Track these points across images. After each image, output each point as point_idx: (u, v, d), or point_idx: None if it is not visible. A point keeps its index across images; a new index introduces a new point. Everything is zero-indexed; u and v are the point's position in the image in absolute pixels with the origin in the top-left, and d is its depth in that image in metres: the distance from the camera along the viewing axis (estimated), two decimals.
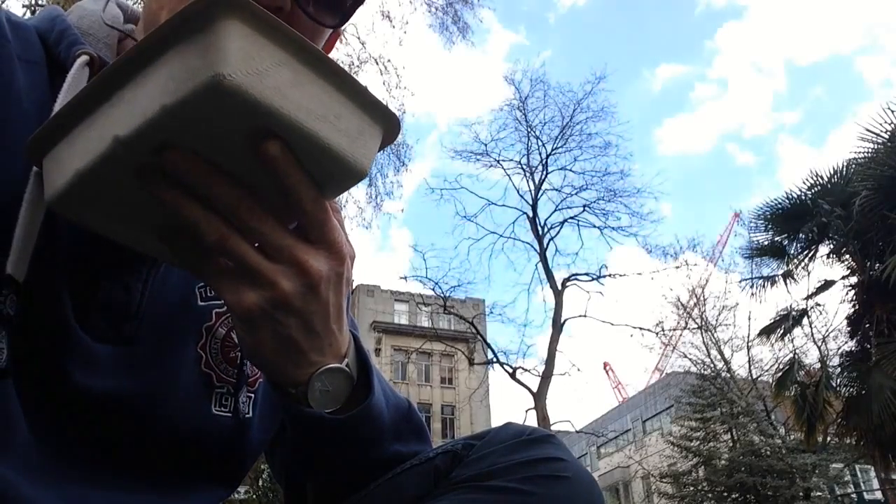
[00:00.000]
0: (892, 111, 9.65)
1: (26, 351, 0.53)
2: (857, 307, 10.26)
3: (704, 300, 18.70)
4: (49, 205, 0.47)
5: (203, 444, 0.64)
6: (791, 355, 11.90)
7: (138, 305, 0.61)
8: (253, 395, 0.69)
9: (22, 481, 0.51)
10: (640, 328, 18.14)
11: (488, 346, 17.51)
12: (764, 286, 11.65)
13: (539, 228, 17.83)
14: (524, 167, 18.40)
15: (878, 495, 18.48)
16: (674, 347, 19.46)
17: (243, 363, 0.66)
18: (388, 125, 0.49)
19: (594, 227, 17.93)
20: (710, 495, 16.83)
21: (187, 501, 0.64)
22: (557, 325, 16.67)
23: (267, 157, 0.43)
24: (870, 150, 9.94)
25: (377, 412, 0.63)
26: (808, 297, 11.42)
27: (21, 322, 0.52)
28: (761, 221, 11.22)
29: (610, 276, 17.50)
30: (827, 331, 13.10)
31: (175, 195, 0.44)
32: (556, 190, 18.64)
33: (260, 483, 11.17)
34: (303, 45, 0.43)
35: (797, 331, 11.83)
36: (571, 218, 18.03)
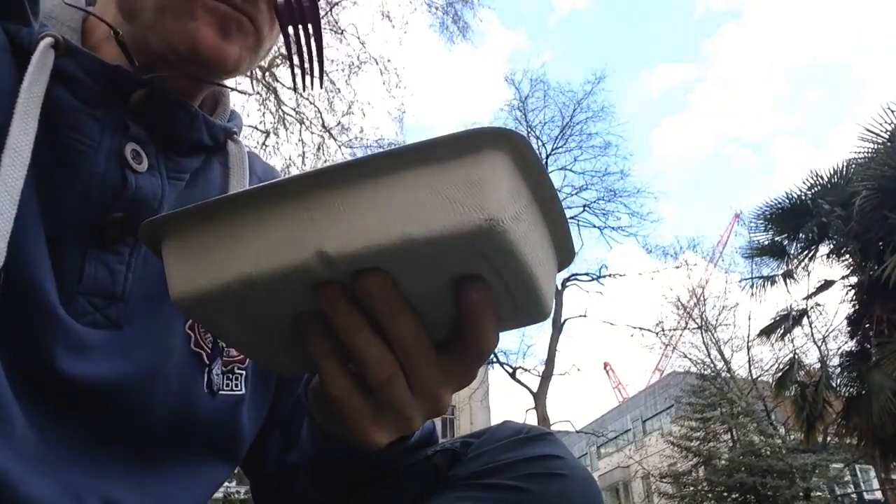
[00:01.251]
0: (892, 111, 9.65)
1: (13, 338, 0.53)
2: (857, 307, 10.25)
3: (704, 300, 18.70)
4: (179, 303, 0.41)
5: (198, 424, 0.63)
6: (791, 355, 11.89)
7: (123, 288, 0.60)
8: (244, 372, 0.69)
9: (19, 471, 0.51)
10: (640, 328, 18.18)
11: None
12: (764, 286, 11.65)
13: None
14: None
15: (878, 495, 18.45)
16: (674, 347, 19.47)
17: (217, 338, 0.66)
18: (563, 260, 0.46)
19: (594, 227, 17.98)
20: (710, 495, 16.81)
21: (186, 483, 0.64)
22: (557, 325, 16.68)
23: (469, 301, 0.41)
24: (870, 150, 9.93)
25: (408, 448, 0.68)
26: (808, 296, 11.42)
27: (4, 307, 0.51)
28: (761, 221, 11.23)
29: (610, 276, 17.56)
30: (827, 331, 13.09)
31: (356, 322, 0.41)
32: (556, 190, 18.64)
33: None
34: (547, 187, 0.40)
35: (797, 331, 11.83)
36: (571, 218, 18.05)
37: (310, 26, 0.63)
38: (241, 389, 0.68)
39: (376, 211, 0.36)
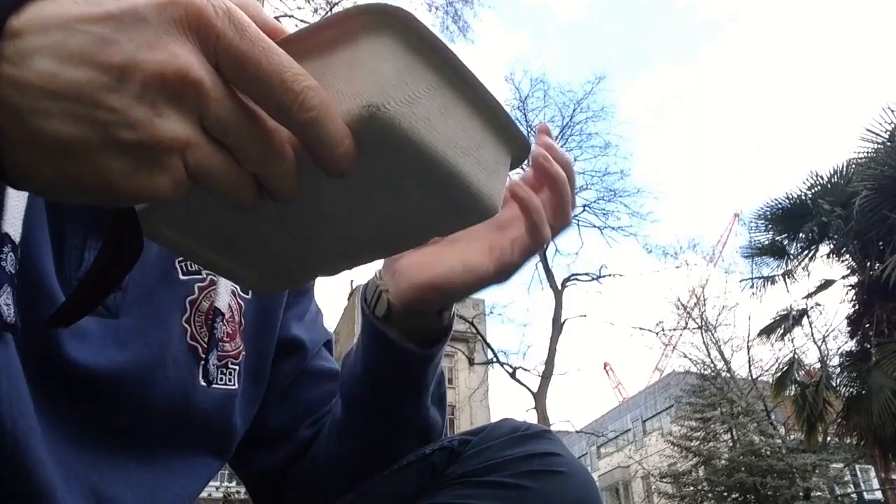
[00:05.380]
0: (893, 111, 9.67)
1: (22, 320, 0.52)
2: (857, 307, 10.26)
3: (704, 300, 18.70)
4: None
5: (193, 417, 0.64)
6: (791, 355, 11.89)
7: None
8: (238, 368, 0.70)
9: (38, 455, 0.51)
10: (641, 328, 18.18)
11: (488, 346, 17.51)
12: (764, 286, 11.66)
13: None
14: (524, 167, 18.41)
15: (878, 495, 18.45)
16: (674, 347, 19.47)
17: (213, 328, 0.66)
18: (517, 150, 0.42)
19: (594, 227, 17.99)
20: (710, 495, 16.79)
21: (179, 474, 0.64)
22: (557, 325, 16.66)
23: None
24: (870, 150, 9.96)
25: (437, 361, 0.70)
26: (808, 296, 11.43)
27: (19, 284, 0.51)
28: (761, 221, 11.25)
29: (610, 275, 17.55)
30: (827, 331, 13.06)
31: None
32: None
33: None
34: (457, 66, 0.36)
35: (797, 331, 11.84)
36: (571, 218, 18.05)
37: None
38: (234, 384, 0.69)
39: None
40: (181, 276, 0.66)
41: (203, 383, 0.65)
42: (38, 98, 0.28)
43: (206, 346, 0.66)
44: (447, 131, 0.36)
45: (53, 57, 0.28)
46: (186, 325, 0.65)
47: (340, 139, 0.32)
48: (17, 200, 0.51)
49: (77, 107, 0.28)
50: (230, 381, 0.68)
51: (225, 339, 0.69)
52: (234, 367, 0.70)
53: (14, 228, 0.51)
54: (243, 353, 0.71)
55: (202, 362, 0.65)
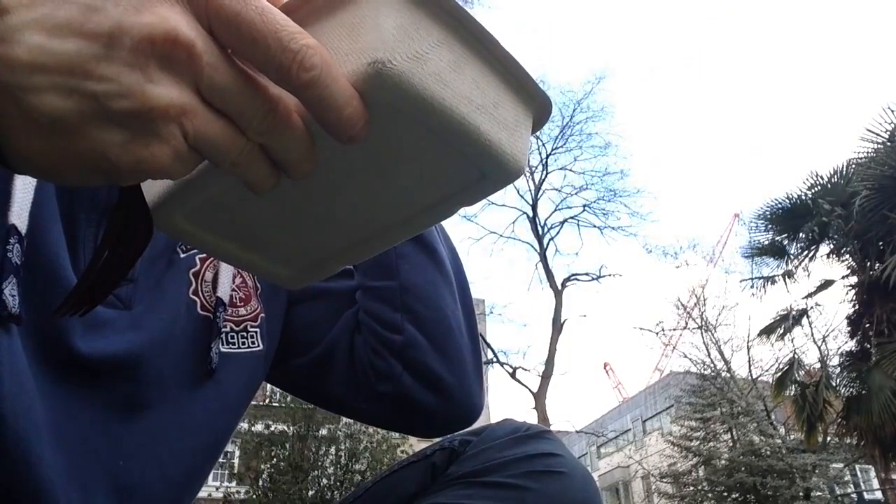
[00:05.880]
0: (893, 111, 9.67)
1: (33, 313, 0.53)
2: (857, 307, 10.26)
3: (704, 300, 18.70)
4: (156, 213, 0.38)
5: (213, 385, 0.65)
6: (791, 355, 11.90)
7: (133, 269, 0.60)
8: (259, 329, 0.72)
9: (39, 448, 0.51)
10: (641, 328, 18.22)
11: (488, 345, 17.51)
12: (764, 286, 11.67)
13: (539, 228, 17.88)
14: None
15: (878, 495, 18.45)
16: (674, 347, 19.47)
17: (217, 314, 0.67)
18: (538, 108, 0.40)
19: (594, 227, 18.02)
20: (710, 495, 16.78)
21: (192, 448, 0.65)
22: (557, 325, 16.68)
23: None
24: (870, 150, 9.97)
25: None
26: (808, 296, 11.43)
27: (25, 280, 0.51)
28: (761, 221, 11.26)
29: (609, 275, 17.59)
30: (827, 331, 13.06)
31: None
32: (556, 190, 18.83)
33: (260, 483, 11.15)
34: (464, 20, 0.34)
35: (797, 331, 11.85)
36: (571, 218, 18.09)
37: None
38: (258, 346, 0.71)
39: None
40: (181, 256, 0.67)
41: (227, 350, 0.67)
42: (29, 74, 0.27)
43: (215, 314, 0.67)
44: (460, 87, 0.34)
45: (42, 30, 0.27)
46: (195, 297, 0.66)
47: (347, 100, 0.31)
48: (23, 193, 0.51)
49: (68, 79, 0.28)
50: (253, 342, 0.70)
51: (238, 304, 0.70)
52: (254, 329, 0.71)
53: (20, 220, 0.51)
54: (262, 314, 0.72)
55: (215, 331, 0.66)
